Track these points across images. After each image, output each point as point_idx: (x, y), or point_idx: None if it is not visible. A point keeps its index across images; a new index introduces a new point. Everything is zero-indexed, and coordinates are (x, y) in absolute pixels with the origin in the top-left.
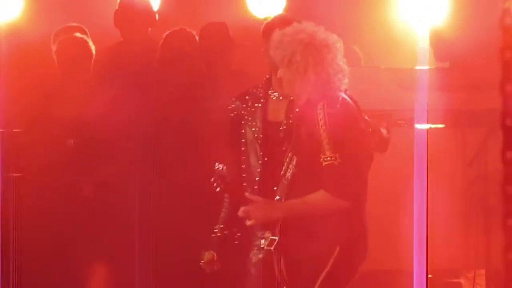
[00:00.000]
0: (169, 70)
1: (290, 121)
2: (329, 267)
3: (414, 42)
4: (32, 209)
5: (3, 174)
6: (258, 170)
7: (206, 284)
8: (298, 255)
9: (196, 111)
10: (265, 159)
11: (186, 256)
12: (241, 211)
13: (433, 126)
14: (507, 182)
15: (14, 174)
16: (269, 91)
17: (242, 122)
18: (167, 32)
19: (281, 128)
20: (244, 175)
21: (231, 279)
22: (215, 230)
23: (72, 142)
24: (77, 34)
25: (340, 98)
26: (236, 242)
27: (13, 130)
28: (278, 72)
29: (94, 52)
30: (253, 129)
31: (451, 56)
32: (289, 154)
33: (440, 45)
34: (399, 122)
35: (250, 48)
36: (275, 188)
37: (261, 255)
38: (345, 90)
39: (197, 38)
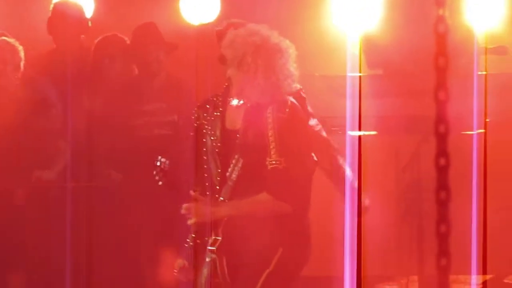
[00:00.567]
0: (102, 76)
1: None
2: (271, 267)
3: (346, 49)
4: None
5: None
6: (218, 178)
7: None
8: (240, 256)
9: (132, 114)
10: (223, 167)
11: (122, 262)
12: (183, 208)
13: (366, 133)
14: (440, 189)
15: None
16: (229, 99)
17: (204, 131)
18: (98, 38)
19: (238, 135)
20: (207, 184)
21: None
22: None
23: None
24: (4, 38)
25: (289, 103)
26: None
27: None
28: (228, 71)
29: (22, 56)
30: (212, 138)
31: (383, 64)
32: (236, 156)
33: (372, 53)
34: (333, 128)
35: (183, 52)
36: (217, 187)
37: (199, 255)
38: (302, 97)
39: (128, 42)
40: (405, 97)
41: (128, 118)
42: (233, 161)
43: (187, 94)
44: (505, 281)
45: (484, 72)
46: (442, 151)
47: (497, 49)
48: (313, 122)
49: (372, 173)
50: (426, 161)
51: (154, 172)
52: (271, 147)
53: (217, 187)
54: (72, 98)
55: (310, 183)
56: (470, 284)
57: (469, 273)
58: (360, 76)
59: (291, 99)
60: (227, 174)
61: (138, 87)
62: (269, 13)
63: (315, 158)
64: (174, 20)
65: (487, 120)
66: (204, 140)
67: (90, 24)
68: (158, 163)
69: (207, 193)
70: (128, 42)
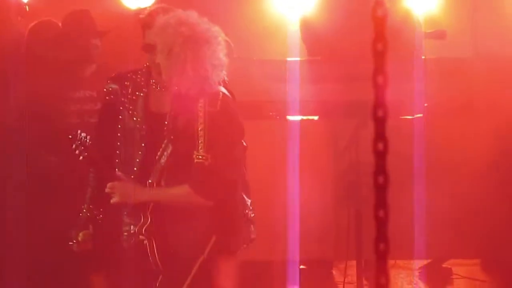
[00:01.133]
0: (36, 61)
1: (172, 113)
2: (205, 255)
3: (285, 34)
4: None
5: None
6: (137, 160)
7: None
8: (172, 243)
9: (65, 101)
10: (147, 151)
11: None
12: (108, 187)
13: (305, 117)
14: (377, 173)
15: None
16: (151, 81)
17: (121, 108)
18: (33, 23)
19: (166, 121)
20: (117, 160)
21: (103, 259)
22: (83, 210)
23: None
24: None
25: (221, 95)
26: (99, 219)
27: None
28: (157, 58)
29: None
30: (134, 118)
31: (322, 50)
32: (165, 141)
33: (311, 40)
34: (270, 113)
35: (118, 37)
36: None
37: (132, 241)
38: (225, 82)
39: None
40: (344, 81)
41: (61, 104)
42: (163, 145)
43: None
44: (444, 265)
45: (423, 57)
46: (380, 136)
47: (436, 33)
48: None
49: (311, 158)
50: (364, 145)
51: (73, 146)
52: (200, 141)
53: (135, 169)
54: (6, 81)
55: (237, 178)
56: (409, 268)
57: (408, 258)
58: (299, 61)
59: (222, 89)
60: (157, 157)
61: (70, 74)
62: None
63: (244, 144)
64: (112, 5)
65: (425, 104)
66: (120, 117)
67: (27, 8)
68: (78, 136)
69: (132, 177)
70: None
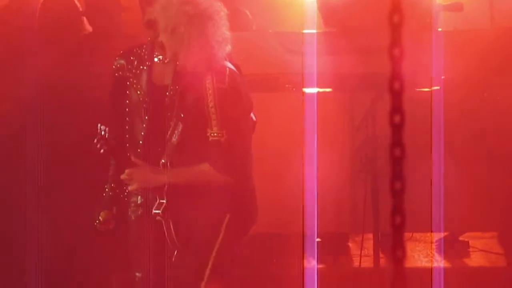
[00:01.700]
0: (50, 36)
1: (177, 87)
2: (221, 235)
3: (302, 5)
4: None
5: None
6: (142, 133)
7: (100, 244)
8: (187, 222)
9: (86, 76)
10: (150, 123)
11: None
12: (124, 174)
13: (321, 90)
14: (394, 146)
15: None
16: (154, 54)
17: (127, 83)
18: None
19: (167, 93)
20: (127, 136)
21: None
22: (106, 189)
23: None
24: None
25: (228, 71)
26: (125, 199)
27: None
28: (160, 35)
29: None
30: (138, 92)
31: (338, 22)
32: (174, 119)
33: (328, 11)
34: (286, 86)
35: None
36: (159, 149)
37: (139, 212)
38: (229, 55)
39: (76, 2)
40: (360, 54)
41: (80, 79)
42: (172, 124)
43: None
44: (460, 238)
45: (439, 29)
46: (396, 108)
47: (453, 5)
48: None
49: (327, 130)
50: (381, 118)
51: (95, 140)
52: (212, 119)
53: (140, 142)
54: (27, 56)
55: (251, 152)
56: (425, 241)
57: (424, 231)
58: (316, 33)
59: (229, 65)
60: (168, 136)
61: (93, 48)
62: None
63: (254, 118)
64: None
65: (443, 77)
66: (127, 92)
67: None
68: (99, 131)
69: (138, 150)
70: (76, 2)
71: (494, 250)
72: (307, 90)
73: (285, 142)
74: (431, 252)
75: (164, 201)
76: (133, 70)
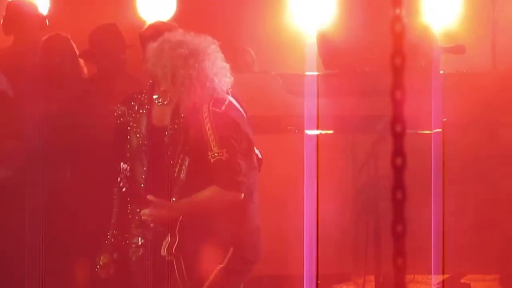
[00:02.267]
0: (49, 75)
1: (176, 126)
2: (224, 264)
3: (303, 47)
4: None
5: None
6: (143, 176)
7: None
8: (195, 255)
9: (90, 116)
10: (150, 165)
11: (78, 260)
12: (143, 214)
13: (323, 132)
14: (396, 188)
15: None
16: (154, 96)
17: (128, 128)
18: (43, 38)
19: (167, 132)
20: (127, 166)
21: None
22: (108, 236)
23: None
24: None
25: (227, 101)
26: (124, 245)
27: None
28: (162, 85)
29: None
30: (138, 135)
31: (339, 64)
32: (181, 156)
33: (328, 53)
34: (289, 128)
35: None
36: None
37: (140, 253)
38: (230, 91)
39: (71, 42)
40: (361, 96)
41: (86, 119)
42: (179, 161)
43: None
44: (462, 281)
45: (441, 72)
46: (398, 150)
47: (454, 48)
48: None
49: (329, 172)
50: (383, 160)
51: (118, 179)
52: (211, 140)
53: (142, 185)
54: (30, 96)
55: (256, 177)
56: (427, 284)
57: (426, 273)
58: (317, 75)
59: (230, 98)
60: (175, 174)
61: (98, 88)
62: (227, 11)
63: (259, 155)
64: (131, 18)
65: (444, 119)
66: (128, 137)
67: (47, 23)
68: (122, 169)
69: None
70: (71, 42)
71: None
72: (308, 132)
73: (287, 183)
74: None
75: (177, 239)
76: (133, 115)
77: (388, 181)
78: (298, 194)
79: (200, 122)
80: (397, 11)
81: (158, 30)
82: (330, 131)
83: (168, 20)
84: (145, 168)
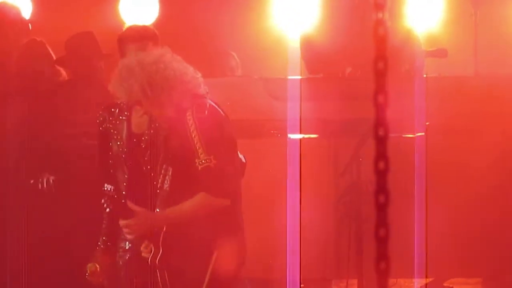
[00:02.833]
0: (26, 82)
1: (152, 131)
2: (209, 273)
3: (286, 51)
4: None
5: None
6: (124, 184)
7: None
8: (179, 265)
9: (62, 124)
10: (131, 172)
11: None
12: (122, 225)
13: (306, 136)
14: (379, 192)
15: None
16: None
17: (109, 134)
18: (21, 44)
19: (143, 138)
20: (112, 187)
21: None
22: (98, 243)
23: None
24: None
25: (208, 105)
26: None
27: None
28: (144, 104)
29: None
30: (118, 142)
31: (322, 68)
32: (164, 166)
33: (312, 58)
34: (272, 132)
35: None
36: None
37: (127, 256)
38: (207, 94)
39: (47, 47)
40: (344, 100)
41: (61, 126)
42: (162, 171)
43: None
44: (445, 284)
45: (424, 75)
46: (381, 154)
47: (437, 52)
48: None
49: (311, 176)
50: (365, 164)
51: (102, 201)
52: (197, 147)
53: (123, 193)
54: (11, 101)
55: (240, 179)
56: (410, 287)
57: (409, 276)
58: (300, 79)
59: (210, 102)
60: (158, 185)
61: (73, 96)
62: (209, 15)
63: (243, 160)
64: (113, 23)
65: (427, 123)
66: (110, 144)
67: (30, 27)
68: (105, 190)
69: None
70: (47, 46)
71: None
72: (291, 136)
73: (270, 187)
74: None
75: (160, 250)
76: (113, 121)
77: (371, 184)
78: (281, 198)
79: (185, 129)
80: (380, 15)
81: (136, 32)
82: (313, 135)
83: (149, 25)
84: (126, 176)
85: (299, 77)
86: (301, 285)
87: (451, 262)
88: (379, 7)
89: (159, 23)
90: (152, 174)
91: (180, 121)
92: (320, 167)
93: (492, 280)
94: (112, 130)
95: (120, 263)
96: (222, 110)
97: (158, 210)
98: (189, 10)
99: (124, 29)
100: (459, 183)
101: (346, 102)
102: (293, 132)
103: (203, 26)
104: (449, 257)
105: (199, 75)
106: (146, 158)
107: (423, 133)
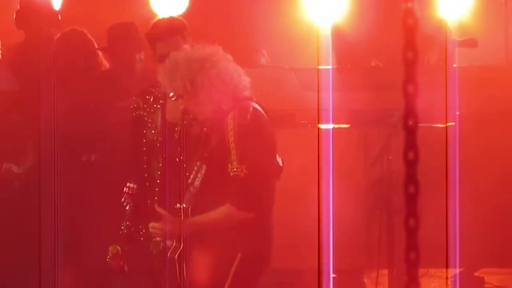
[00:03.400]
0: (66, 71)
1: (185, 122)
2: (231, 273)
3: (317, 41)
4: None
5: None
6: (159, 172)
7: (114, 279)
8: (199, 262)
9: (107, 111)
10: (165, 161)
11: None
12: (151, 228)
13: (336, 126)
14: (409, 182)
15: None
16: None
17: (143, 122)
18: (57, 35)
19: (176, 129)
20: (146, 175)
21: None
22: (121, 227)
23: None
24: None
25: (251, 109)
26: (141, 238)
27: None
28: (186, 102)
29: None
30: (153, 131)
31: (352, 59)
32: (198, 163)
33: (342, 48)
34: (302, 122)
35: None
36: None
37: (161, 246)
38: (252, 97)
39: (89, 36)
40: (374, 90)
41: (103, 113)
42: (196, 168)
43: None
44: (476, 274)
45: (454, 65)
46: (411, 145)
47: (467, 41)
48: None
49: (342, 167)
50: (396, 154)
51: (122, 199)
52: (232, 153)
53: (158, 181)
54: (43, 91)
55: (273, 188)
56: (441, 277)
57: (439, 266)
58: (331, 69)
59: (254, 104)
60: (189, 180)
61: (114, 83)
62: (240, 7)
63: (280, 163)
64: (145, 14)
65: (457, 113)
66: (144, 131)
67: (60, 17)
68: (125, 189)
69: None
70: (89, 36)
71: (510, 287)
72: (322, 126)
73: (301, 178)
74: None
75: (181, 246)
76: (148, 109)
77: (401, 175)
78: (312, 189)
79: (224, 132)
80: (409, 4)
81: (163, 29)
82: (344, 125)
83: (177, 16)
84: (160, 165)
85: (330, 67)
86: (333, 275)
87: (482, 252)
88: None
89: (187, 15)
90: (185, 165)
91: (220, 123)
92: (351, 157)
93: None
94: (146, 118)
95: (154, 252)
96: (265, 112)
97: (184, 205)
98: (218, 2)
99: (151, 25)
100: (491, 172)
101: (377, 92)
102: (324, 122)
103: (234, 17)
104: (481, 247)
105: (247, 79)
106: (178, 149)
107: (454, 123)
